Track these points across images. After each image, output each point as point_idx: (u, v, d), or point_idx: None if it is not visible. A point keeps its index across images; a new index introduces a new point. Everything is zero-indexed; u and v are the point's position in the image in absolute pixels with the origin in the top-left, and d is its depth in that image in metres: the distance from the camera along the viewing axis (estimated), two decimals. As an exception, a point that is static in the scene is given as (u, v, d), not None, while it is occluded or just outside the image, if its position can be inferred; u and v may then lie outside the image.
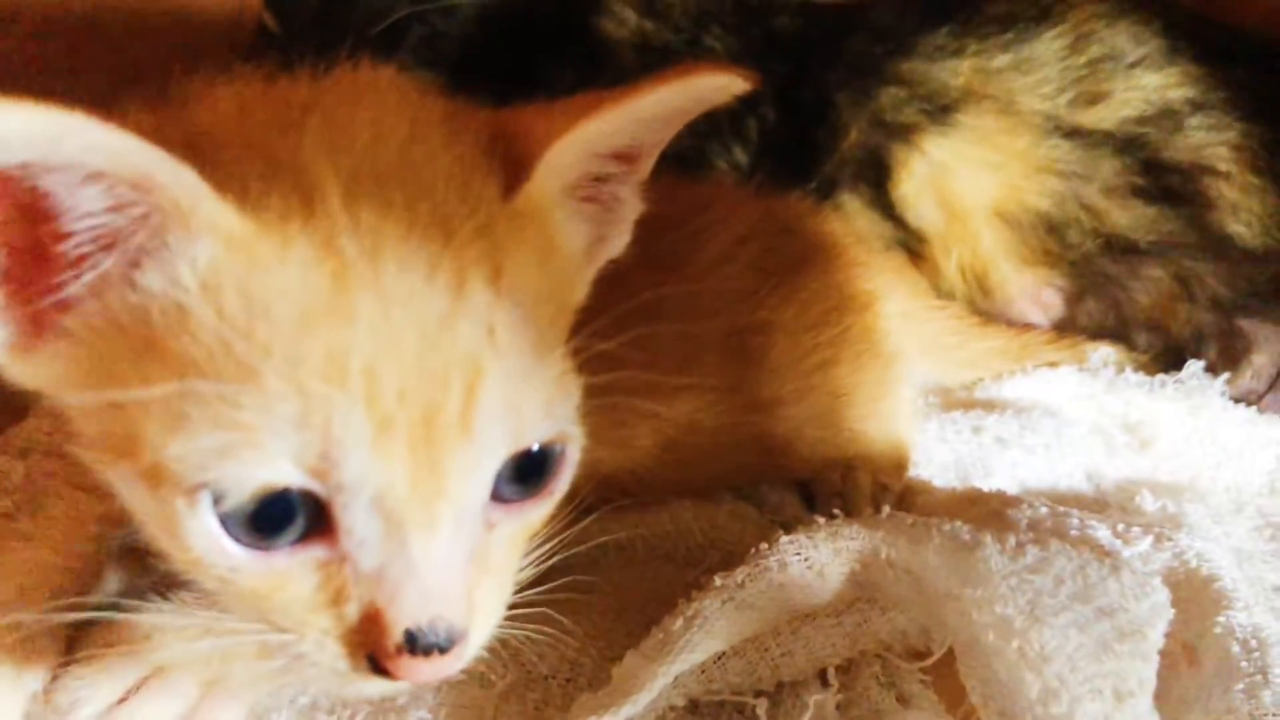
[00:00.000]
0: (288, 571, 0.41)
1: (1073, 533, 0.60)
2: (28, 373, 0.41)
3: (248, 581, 0.41)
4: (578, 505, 0.59)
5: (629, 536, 0.65)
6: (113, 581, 0.54)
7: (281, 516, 0.40)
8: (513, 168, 0.44)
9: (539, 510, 0.47)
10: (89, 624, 0.51)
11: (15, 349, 0.40)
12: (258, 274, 0.38)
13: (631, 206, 0.51)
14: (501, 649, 0.56)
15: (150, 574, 0.56)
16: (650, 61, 0.96)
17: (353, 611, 0.42)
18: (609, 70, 0.97)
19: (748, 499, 0.70)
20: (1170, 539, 0.65)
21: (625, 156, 0.48)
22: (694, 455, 0.64)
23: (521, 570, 0.49)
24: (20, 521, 0.54)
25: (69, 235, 0.39)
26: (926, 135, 0.90)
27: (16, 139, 0.35)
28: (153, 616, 0.51)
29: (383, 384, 0.38)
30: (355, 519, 0.40)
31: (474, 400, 0.40)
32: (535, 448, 0.44)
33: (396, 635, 0.41)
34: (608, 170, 0.48)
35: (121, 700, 0.48)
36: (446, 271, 0.40)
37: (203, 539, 0.40)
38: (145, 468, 0.39)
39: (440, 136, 0.44)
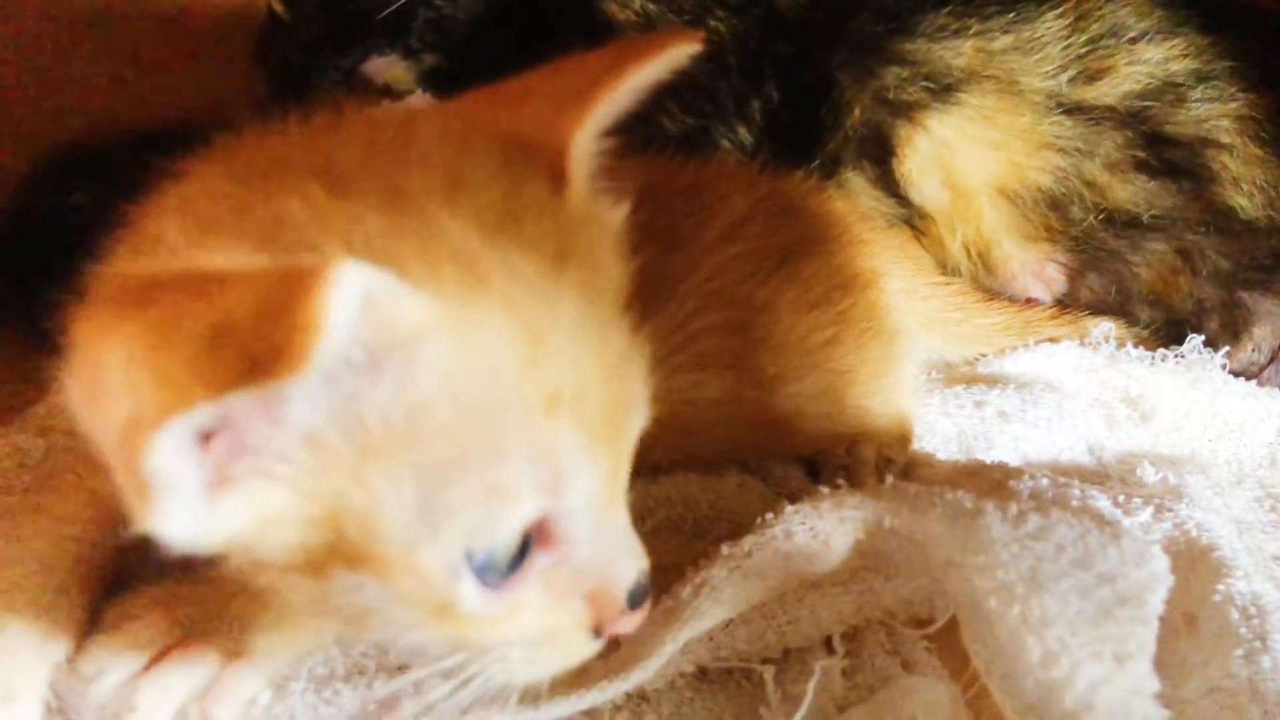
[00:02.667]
0: (525, 594, 0.44)
1: (1074, 503, 0.61)
2: (219, 518, 0.37)
3: (490, 620, 0.43)
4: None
5: (635, 509, 0.66)
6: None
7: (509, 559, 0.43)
8: (547, 165, 0.45)
9: None
10: (112, 595, 0.53)
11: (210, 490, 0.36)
12: (467, 351, 0.38)
13: None
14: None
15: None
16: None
17: (577, 603, 0.46)
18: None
19: (753, 472, 0.71)
20: (1171, 510, 0.66)
21: None
22: (694, 430, 0.65)
23: None
24: (41, 496, 0.55)
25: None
26: (930, 113, 0.91)
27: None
28: (176, 586, 0.53)
29: (590, 399, 0.41)
30: (575, 522, 0.43)
31: (635, 382, 0.45)
32: None
33: (623, 600, 0.46)
34: None
35: (145, 669, 0.49)
36: (580, 284, 0.42)
37: (470, 601, 0.42)
38: (386, 566, 0.40)
39: (499, 160, 0.44)
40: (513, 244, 0.40)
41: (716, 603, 0.53)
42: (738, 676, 0.57)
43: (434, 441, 0.38)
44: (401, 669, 0.54)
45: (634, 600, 0.46)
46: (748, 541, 0.55)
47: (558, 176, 0.45)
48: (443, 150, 0.43)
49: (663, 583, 0.59)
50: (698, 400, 0.63)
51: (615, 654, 0.53)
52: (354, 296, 0.32)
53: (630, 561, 0.46)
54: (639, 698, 0.55)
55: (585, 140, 0.45)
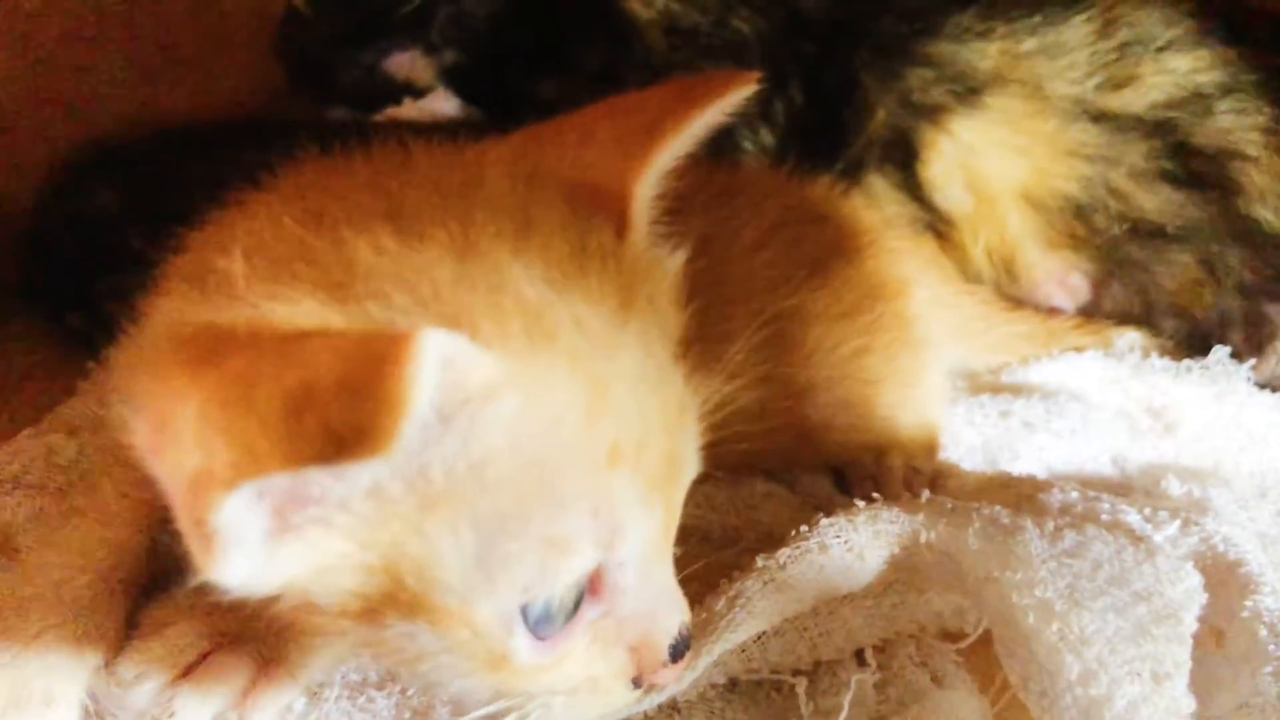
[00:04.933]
0: (573, 644, 0.44)
1: (1104, 517, 0.61)
2: (277, 565, 0.37)
3: (539, 670, 0.43)
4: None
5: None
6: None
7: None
8: (610, 211, 0.45)
9: None
10: (150, 600, 0.53)
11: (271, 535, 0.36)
12: (532, 405, 0.38)
13: None
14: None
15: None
16: (678, 43, 0.97)
17: (620, 653, 0.45)
18: (636, 51, 0.98)
19: (781, 481, 0.71)
20: (1197, 524, 0.66)
21: None
22: (727, 440, 0.65)
23: None
24: (74, 498, 0.55)
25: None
26: (954, 117, 0.91)
27: None
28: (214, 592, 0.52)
29: (649, 451, 0.41)
30: (625, 574, 0.43)
31: (685, 429, 0.45)
32: None
33: (664, 653, 0.46)
34: None
35: (183, 675, 0.49)
36: (641, 333, 0.42)
37: (522, 654, 0.42)
38: (442, 616, 0.40)
39: (565, 205, 0.44)
40: (578, 294, 0.40)
41: (750, 615, 0.53)
42: (768, 688, 0.57)
43: (495, 494, 0.38)
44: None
45: (676, 653, 0.46)
46: (782, 554, 0.55)
47: (621, 223, 0.44)
48: (511, 195, 0.43)
49: (691, 591, 0.60)
50: (729, 409, 0.63)
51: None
52: (435, 364, 0.32)
53: (673, 614, 0.46)
54: (671, 708, 0.55)
55: (647, 187, 0.45)
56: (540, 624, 0.42)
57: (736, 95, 0.46)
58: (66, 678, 0.49)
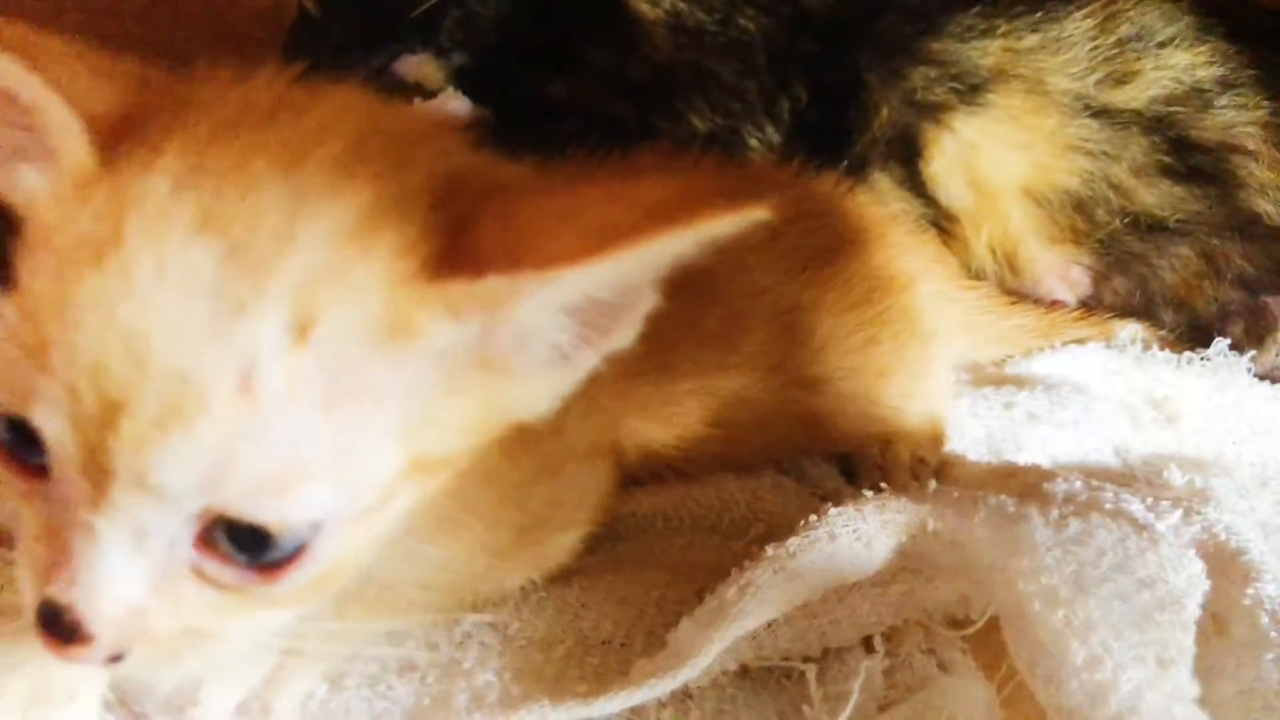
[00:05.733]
0: (26, 487, 0.41)
1: (1107, 506, 0.62)
2: None
3: (5, 478, 0.41)
4: (630, 479, 0.61)
5: (675, 508, 0.67)
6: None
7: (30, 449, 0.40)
8: (468, 253, 0.39)
9: (267, 590, 0.41)
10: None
11: None
12: (63, 212, 0.38)
13: (646, 301, 0.42)
14: (559, 616, 0.59)
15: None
16: (684, 42, 0.98)
17: (44, 553, 0.41)
18: (643, 50, 0.98)
19: (788, 472, 0.72)
20: (1199, 512, 0.67)
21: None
22: (739, 431, 0.66)
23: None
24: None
25: None
26: (956, 114, 0.91)
27: None
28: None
29: (84, 356, 0.36)
30: (55, 467, 0.39)
31: (172, 426, 0.36)
32: (269, 532, 0.39)
33: (35, 596, 0.40)
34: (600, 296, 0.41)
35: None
36: (237, 288, 0.37)
37: None
38: None
39: (379, 174, 0.40)
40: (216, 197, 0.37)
41: (761, 603, 0.54)
42: (778, 675, 0.58)
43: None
44: (453, 663, 0.55)
45: (44, 614, 0.40)
46: (792, 543, 0.56)
47: (446, 271, 0.39)
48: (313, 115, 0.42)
49: (701, 581, 0.61)
50: (742, 400, 0.64)
51: (663, 653, 0.54)
52: None
53: (65, 580, 0.39)
54: (683, 695, 0.56)
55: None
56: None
57: (718, 229, 0.38)
58: (88, 673, 0.50)
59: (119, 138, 0.39)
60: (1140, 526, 0.57)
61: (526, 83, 0.99)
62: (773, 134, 0.96)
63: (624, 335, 0.43)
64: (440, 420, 0.41)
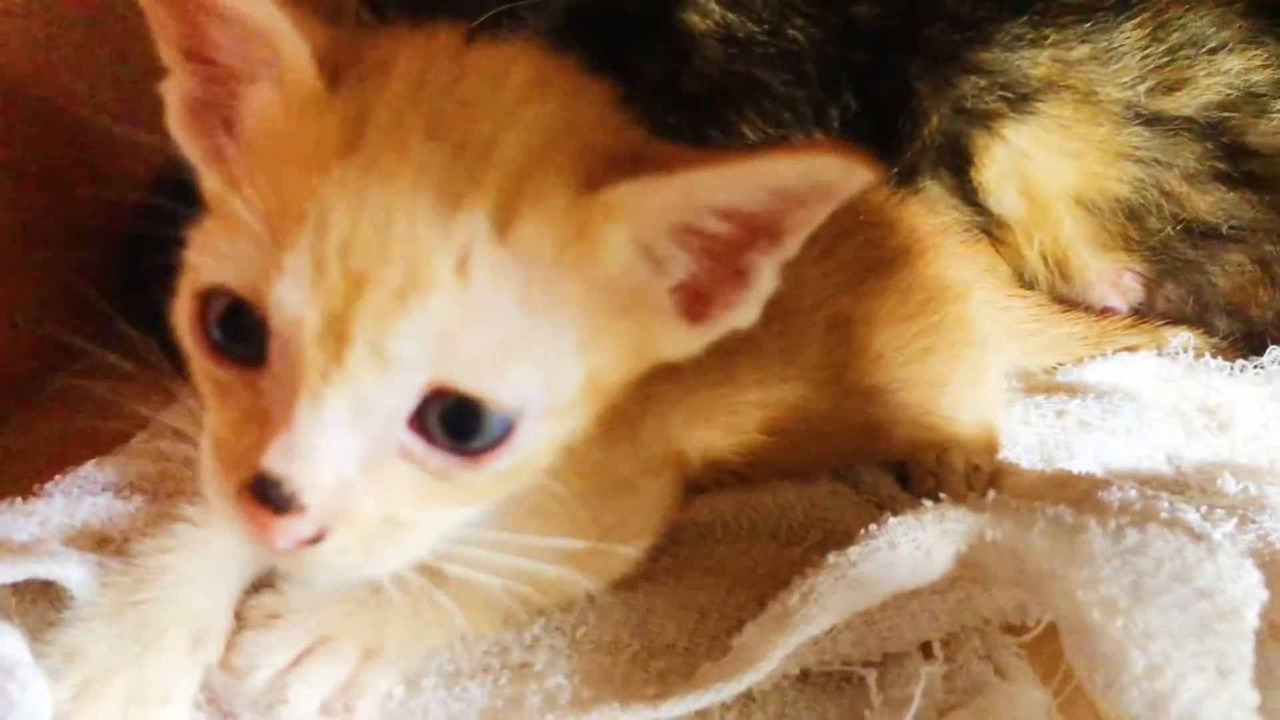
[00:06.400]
0: (228, 380, 0.46)
1: (1163, 515, 0.63)
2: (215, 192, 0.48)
3: (207, 375, 0.47)
4: (691, 485, 0.63)
5: (735, 515, 0.69)
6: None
7: (242, 336, 0.45)
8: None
9: (469, 474, 0.46)
10: (257, 597, 0.56)
11: (209, 162, 0.48)
12: (299, 121, 0.45)
13: (768, 281, 0.49)
14: (625, 620, 0.61)
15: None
16: (734, 53, 0.99)
17: (247, 439, 0.44)
18: (694, 62, 1.00)
19: (844, 479, 0.73)
20: (1254, 521, 0.67)
21: (734, 232, 0.48)
22: (797, 439, 0.68)
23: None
24: (184, 504, 0.58)
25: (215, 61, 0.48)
26: (1007, 123, 0.92)
27: None
28: (314, 588, 0.56)
29: (329, 237, 0.41)
30: (277, 354, 0.44)
31: (410, 298, 0.41)
32: (479, 411, 0.44)
33: (252, 470, 0.43)
34: (719, 230, 0.47)
35: (293, 664, 0.53)
36: (456, 184, 0.42)
37: (184, 316, 0.47)
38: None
39: (554, 111, 0.46)
40: (430, 119, 0.44)
41: (823, 610, 0.56)
42: (838, 679, 0.59)
43: (242, 171, 0.46)
44: (524, 666, 0.57)
45: (259, 486, 0.43)
46: (853, 551, 0.57)
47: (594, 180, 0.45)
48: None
49: (761, 587, 0.62)
50: (801, 410, 0.65)
51: (727, 658, 0.56)
52: None
53: (284, 452, 0.43)
54: (747, 698, 0.57)
55: (648, 192, 0.45)
56: (211, 330, 0.46)
57: (822, 162, 0.44)
58: (182, 674, 0.52)
59: (335, 68, 0.46)
60: (1197, 536, 0.58)
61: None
62: (823, 143, 0.97)
63: (749, 309, 0.50)
64: (607, 344, 0.47)
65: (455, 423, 0.44)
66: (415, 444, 0.45)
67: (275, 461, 0.42)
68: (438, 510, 0.47)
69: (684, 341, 0.51)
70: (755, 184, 0.45)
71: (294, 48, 0.45)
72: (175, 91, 0.50)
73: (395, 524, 0.45)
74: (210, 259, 0.45)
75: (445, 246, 0.42)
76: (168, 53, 0.49)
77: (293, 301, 0.42)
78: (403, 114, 0.44)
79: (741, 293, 0.49)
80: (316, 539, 0.44)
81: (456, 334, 0.42)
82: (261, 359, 0.44)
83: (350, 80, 0.45)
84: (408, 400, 0.43)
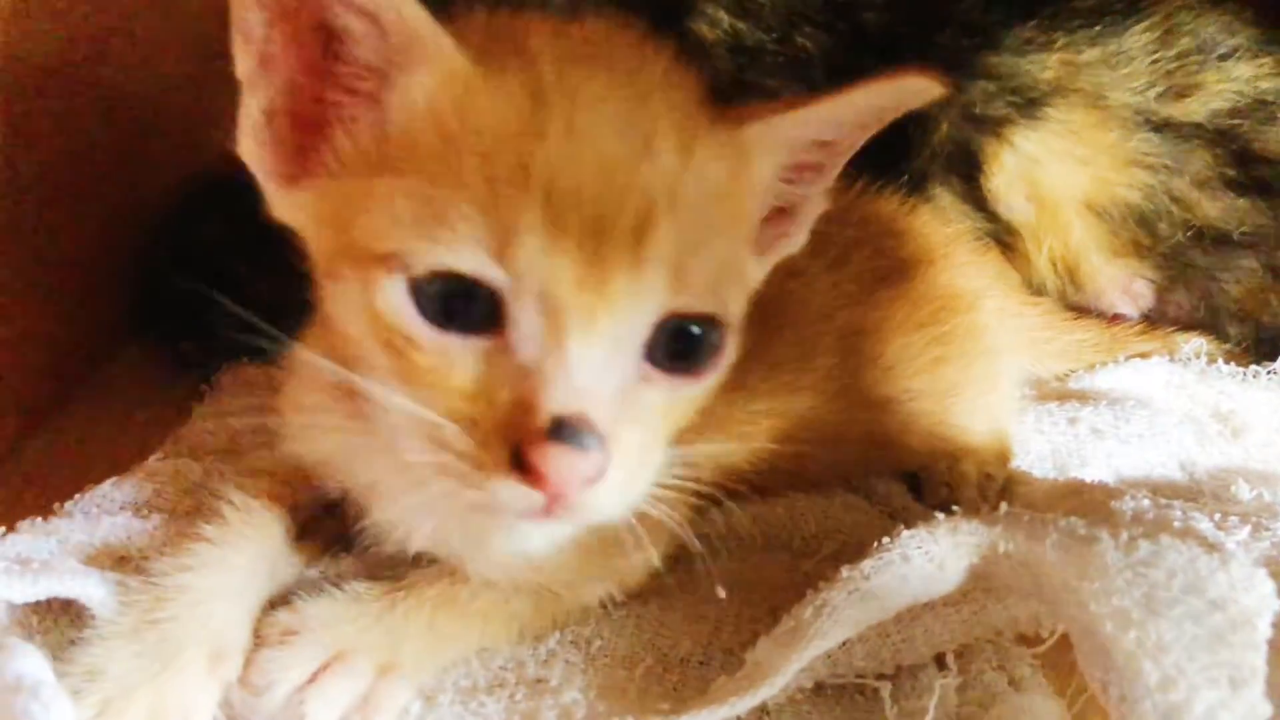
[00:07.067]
0: (456, 354, 0.47)
1: (1176, 524, 0.63)
2: (285, 205, 0.51)
3: (418, 356, 0.47)
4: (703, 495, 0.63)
5: (748, 528, 0.69)
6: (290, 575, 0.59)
7: (463, 309, 0.47)
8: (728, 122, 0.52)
9: (689, 390, 0.52)
10: (273, 614, 0.57)
11: (279, 178, 0.50)
12: (469, 95, 0.47)
13: (815, 206, 0.58)
14: (639, 634, 0.61)
15: (324, 566, 0.62)
16: (744, 62, 0.99)
17: (505, 398, 0.46)
18: (704, 71, 1.00)
19: (857, 490, 0.73)
20: (1268, 528, 0.67)
21: (818, 160, 0.56)
22: (809, 449, 0.68)
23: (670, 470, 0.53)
24: (202, 522, 0.59)
25: (344, 60, 0.49)
26: (1016, 129, 0.92)
27: None
28: (330, 605, 0.56)
29: (555, 190, 0.44)
30: (524, 309, 0.46)
31: (645, 233, 0.46)
32: (695, 330, 0.50)
33: (545, 416, 0.45)
34: (808, 160, 0.56)
35: (310, 681, 0.53)
36: (639, 128, 0.47)
37: (393, 303, 0.47)
38: (360, 254, 0.48)
39: (667, 77, 0.51)
40: (593, 74, 0.48)
41: (836, 623, 0.56)
42: (852, 691, 0.59)
43: (417, 155, 0.47)
44: (540, 681, 0.58)
45: (562, 432, 0.45)
46: (866, 565, 0.57)
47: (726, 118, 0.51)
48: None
49: (774, 599, 0.63)
50: (813, 421, 0.65)
51: (742, 672, 0.56)
52: None
53: (572, 394, 0.45)
54: (761, 711, 0.57)
55: (782, 125, 0.52)
56: (420, 298, 0.46)
57: (911, 89, 0.52)
58: (202, 692, 0.53)
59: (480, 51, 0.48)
60: (1210, 546, 0.58)
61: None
62: (833, 150, 0.97)
63: (799, 236, 0.59)
64: (743, 272, 0.54)
65: (677, 344, 0.49)
66: (649, 369, 0.49)
67: (566, 401, 0.45)
68: (665, 436, 0.52)
69: (755, 274, 0.57)
70: (857, 111, 0.53)
71: (438, 38, 0.47)
72: (254, 105, 0.50)
73: (645, 452, 0.49)
74: (410, 241, 0.46)
75: (656, 183, 0.46)
76: (247, 65, 0.49)
77: (542, 258, 0.45)
78: (567, 80, 0.47)
79: (795, 222, 0.58)
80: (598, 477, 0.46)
81: (680, 259, 0.47)
82: (486, 326, 0.47)
83: (503, 61, 0.48)
84: (648, 329, 0.48)
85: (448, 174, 0.45)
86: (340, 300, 0.50)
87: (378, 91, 0.49)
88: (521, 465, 0.45)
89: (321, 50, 0.49)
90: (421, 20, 0.47)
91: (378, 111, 0.49)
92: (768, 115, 0.52)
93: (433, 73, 0.48)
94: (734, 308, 0.52)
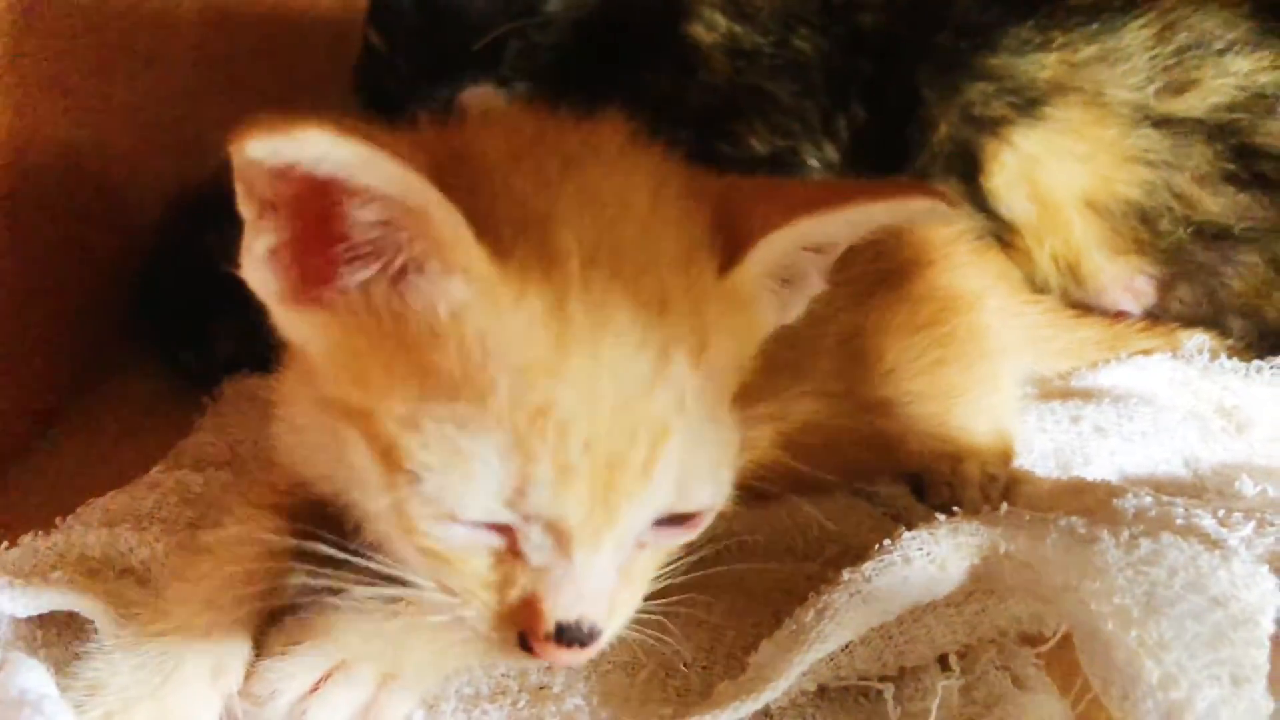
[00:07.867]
0: (468, 548, 0.49)
1: (1178, 521, 0.63)
2: (291, 325, 0.49)
3: (435, 545, 0.48)
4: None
5: (750, 532, 0.69)
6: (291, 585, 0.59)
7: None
8: (731, 247, 0.50)
9: (683, 537, 0.54)
10: (274, 624, 0.57)
11: (285, 300, 0.48)
12: (496, 318, 0.44)
13: (814, 284, 0.57)
14: (643, 638, 0.61)
15: (325, 577, 0.62)
16: (741, 65, 0.99)
17: (514, 596, 0.49)
18: (701, 74, 1.00)
19: (859, 493, 0.73)
20: (1272, 524, 0.67)
21: (820, 246, 0.55)
22: (811, 453, 0.68)
23: (657, 577, 0.55)
24: (204, 534, 0.59)
25: (348, 237, 0.46)
26: (1015, 128, 0.92)
27: (329, 161, 0.41)
28: (332, 615, 0.57)
29: (570, 438, 0.44)
30: (532, 534, 0.47)
31: (656, 457, 0.46)
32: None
33: (549, 625, 0.48)
34: (805, 256, 0.55)
35: (312, 690, 0.53)
36: (656, 344, 0.46)
37: (404, 491, 0.46)
38: (376, 441, 0.46)
39: (676, 212, 0.50)
40: (617, 281, 0.45)
41: (839, 626, 0.56)
42: (855, 694, 0.59)
43: (439, 366, 0.45)
44: (542, 688, 0.58)
45: (564, 636, 0.49)
46: (867, 567, 0.57)
47: (734, 259, 0.50)
48: (616, 175, 0.50)
49: (777, 603, 0.63)
50: (815, 426, 0.65)
51: (744, 676, 0.56)
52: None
53: (575, 602, 0.48)
54: (764, 715, 0.57)
55: (779, 244, 0.50)
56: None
57: (916, 209, 0.51)
58: (203, 704, 0.53)
59: (500, 237, 0.45)
60: (1212, 543, 0.58)
61: (587, 108, 1.01)
62: (831, 153, 0.97)
63: (797, 308, 0.57)
64: (738, 444, 0.53)
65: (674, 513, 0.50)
66: (647, 535, 0.51)
67: (569, 610, 0.48)
68: (656, 565, 0.54)
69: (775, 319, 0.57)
70: (851, 224, 0.51)
71: (458, 232, 0.44)
72: (259, 244, 0.47)
73: (634, 600, 0.53)
74: (432, 465, 0.45)
75: (669, 396, 0.46)
76: (249, 209, 0.46)
77: (553, 503, 0.46)
78: (592, 292, 0.45)
79: (794, 296, 0.57)
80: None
81: (686, 465, 0.48)
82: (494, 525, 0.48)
83: (524, 259, 0.45)
84: (652, 519, 0.49)
85: (472, 399, 0.44)
86: (353, 455, 0.49)
87: (399, 276, 0.46)
88: (527, 645, 0.49)
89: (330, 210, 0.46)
90: (455, 224, 0.43)
91: (396, 286, 0.46)
92: (767, 229, 0.49)
93: (464, 285, 0.45)
94: (733, 459, 0.52)
